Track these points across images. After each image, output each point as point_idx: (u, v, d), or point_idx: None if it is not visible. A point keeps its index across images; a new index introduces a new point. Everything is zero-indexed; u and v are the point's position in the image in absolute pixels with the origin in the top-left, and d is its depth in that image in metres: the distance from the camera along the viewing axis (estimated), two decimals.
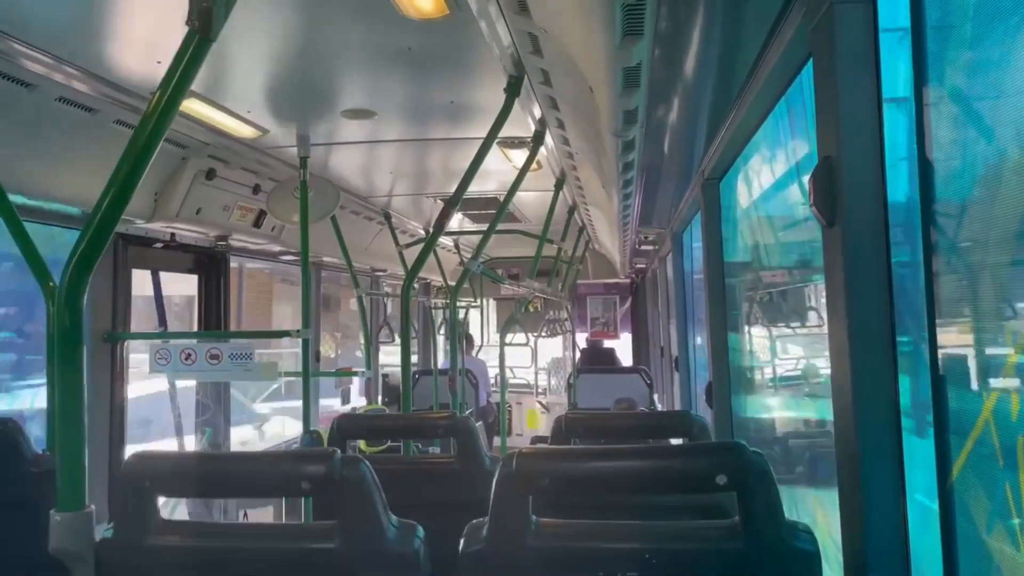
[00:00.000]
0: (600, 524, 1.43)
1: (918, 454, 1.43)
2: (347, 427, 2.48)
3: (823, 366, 2.98)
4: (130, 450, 4.14)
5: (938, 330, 1.36)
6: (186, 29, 1.50)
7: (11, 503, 2.34)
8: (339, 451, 1.49)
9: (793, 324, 3.41)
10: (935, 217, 1.35)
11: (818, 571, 1.34)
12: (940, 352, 1.37)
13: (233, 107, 3.41)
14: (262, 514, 5.32)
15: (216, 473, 1.55)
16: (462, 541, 1.44)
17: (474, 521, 1.46)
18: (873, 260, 1.35)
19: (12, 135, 2.90)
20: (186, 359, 3.79)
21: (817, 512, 2.59)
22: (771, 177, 3.03)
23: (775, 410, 3.55)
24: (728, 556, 1.36)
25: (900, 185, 1.39)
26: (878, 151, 1.35)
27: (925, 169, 1.35)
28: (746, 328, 3.69)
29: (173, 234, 4.47)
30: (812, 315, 3.09)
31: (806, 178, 2.66)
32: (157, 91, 1.51)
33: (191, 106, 3.27)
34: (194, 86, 1.55)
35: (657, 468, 1.41)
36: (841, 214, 1.36)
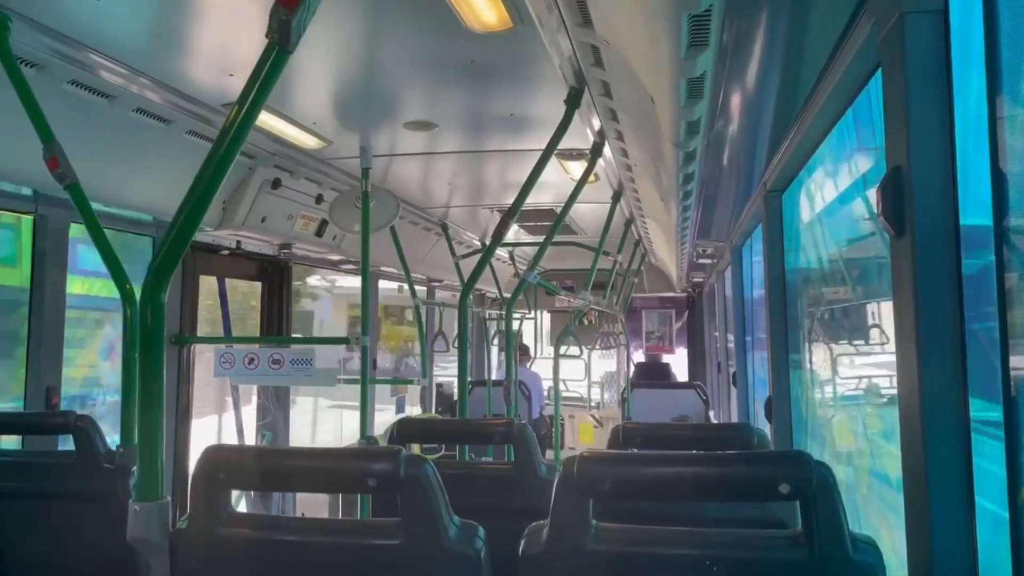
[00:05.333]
0: (661, 530, 1.43)
1: (987, 472, 1.39)
2: (406, 431, 2.52)
3: (885, 385, 2.92)
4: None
5: (1011, 344, 1.33)
6: (260, 42, 1.56)
7: (87, 495, 2.44)
8: (403, 450, 1.52)
9: (856, 341, 3.34)
10: (1008, 228, 1.32)
11: None
12: (1012, 367, 1.34)
13: (300, 118, 3.51)
14: (318, 514, 5.42)
15: (286, 467, 1.60)
16: (522, 543, 1.45)
17: (534, 523, 1.47)
18: (943, 271, 1.32)
19: (92, 144, 3.03)
20: (249, 363, 3.89)
21: (881, 530, 2.53)
22: (836, 190, 2.98)
23: (836, 427, 3.48)
24: (790, 567, 1.34)
25: (972, 196, 1.36)
26: (949, 161, 1.33)
27: (998, 180, 1.32)
28: (807, 344, 3.63)
29: (239, 242, 4.60)
30: (876, 332, 3.02)
31: (871, 192, 2.61)
32: (236, 103, 1.57)
33: (260, 117, 3.37)
34: None
35: (719, 475, 1.41)
36: (910, 224, 1.34)
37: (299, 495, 5.47)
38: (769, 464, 1.42)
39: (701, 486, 1.43)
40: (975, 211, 1.35)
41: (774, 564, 1.35)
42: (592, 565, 1.39)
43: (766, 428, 3.51)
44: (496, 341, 9.36)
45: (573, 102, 2.87)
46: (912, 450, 1.41)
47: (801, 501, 1.34)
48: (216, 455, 1.54)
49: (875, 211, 1.46)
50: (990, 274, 1.34)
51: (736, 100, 2.23)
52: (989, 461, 1.37)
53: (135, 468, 1.68)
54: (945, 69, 1.33)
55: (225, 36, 2.58)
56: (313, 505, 5.51)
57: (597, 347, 9.44)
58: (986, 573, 1.33)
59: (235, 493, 1.68)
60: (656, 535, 1.42)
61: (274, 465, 1.60)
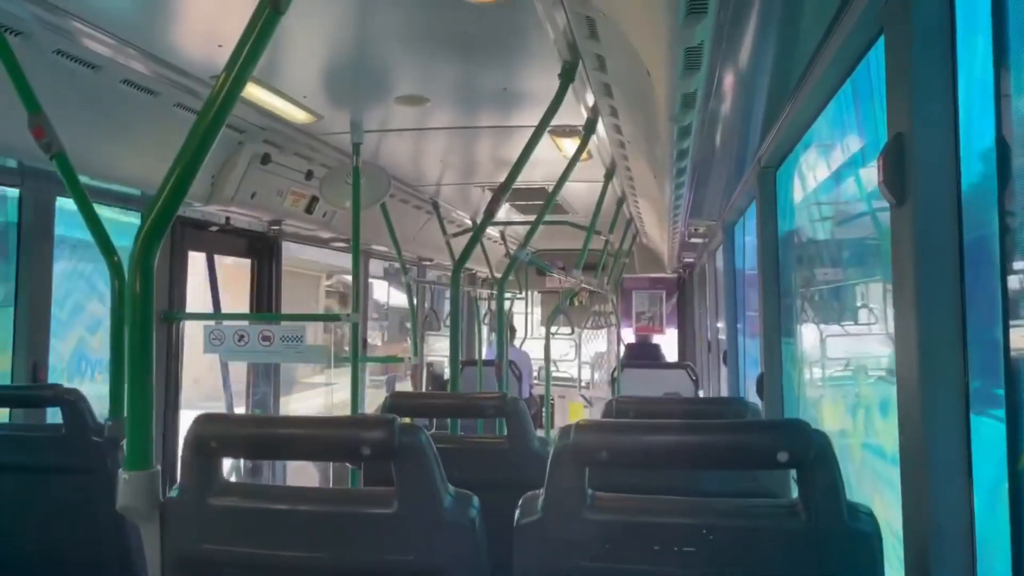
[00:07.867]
0: (656, 499, 1.42)
1: (987, 445, 1.39)
2: (399, 405, 2.51)
3: (874, 366, 2.92)
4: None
5: (1012, 314, 1.32)
6: (250, 12, 1.52)
7: (76, 468, 2.42)
8: (398, 418, 1.50)
9: (846, 320, 3.35)
10: (1012, 197, 1.30)
11: (879, 553, 1.31)
12: (1013, 339, 1.33)
13: (289, 92, 3.46)
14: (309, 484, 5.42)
15: (279, 436, 1.59)
16: (517, 512, 1.44)
17: (529, 493, 1.46)
18: (944, 239, 1.31)
19: (79, 116, 2.97)
20: (239, 340, 3.86)
21: (875, 500, 2.54)
22: (832, 167, 2.96)
23: (826, 404, 3.49)
24: (787, 535, 1.33)
25: (975, 164, 1.34)
26: (952, 128, 1.31)
27: (1002, 148, 1.30)
28: (799, 322, 3.63)
29: (228, 218, 4.56)
30: (867, 311, 3.02)
31: (863, 171, 2.58)
32: (223, 71, 1.54)
33: (249, 90, 3.32)
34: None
35: (718, 443, 1.40)
36: (912, 192, 1.33)
37: (289, 472, 5.47)
38: (768, 432, 1.42)
39: (700, 454, 1.42)
40: (978, 179, 1.34)
41: (771, 532, 1.35)
42: (587, 534, 1.38)
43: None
44: (487, 320, 9.34)
45: (567, 76, 2.83)
46: (910, 421, 1.41)
47: (799, 469, 1.33)
48: (207, 424, 1.52)
49: (876, 180, 1.45)
50: (992, 243, 1.33)
51: (734, 70, 2.20)
52: (988, 431, 1.36)
53: (124, 441, 1.67)
54: (950, 31, 1.31)
55: (214, 6, 2.53)
56: (303, 482, 5.51)
57: (588, 327, 9.45)
58: (984, 544, 1.33)
59: (225, 469, 1.66)
60: (653, 504, 1.42)
61: (266, 433, 1.59)
